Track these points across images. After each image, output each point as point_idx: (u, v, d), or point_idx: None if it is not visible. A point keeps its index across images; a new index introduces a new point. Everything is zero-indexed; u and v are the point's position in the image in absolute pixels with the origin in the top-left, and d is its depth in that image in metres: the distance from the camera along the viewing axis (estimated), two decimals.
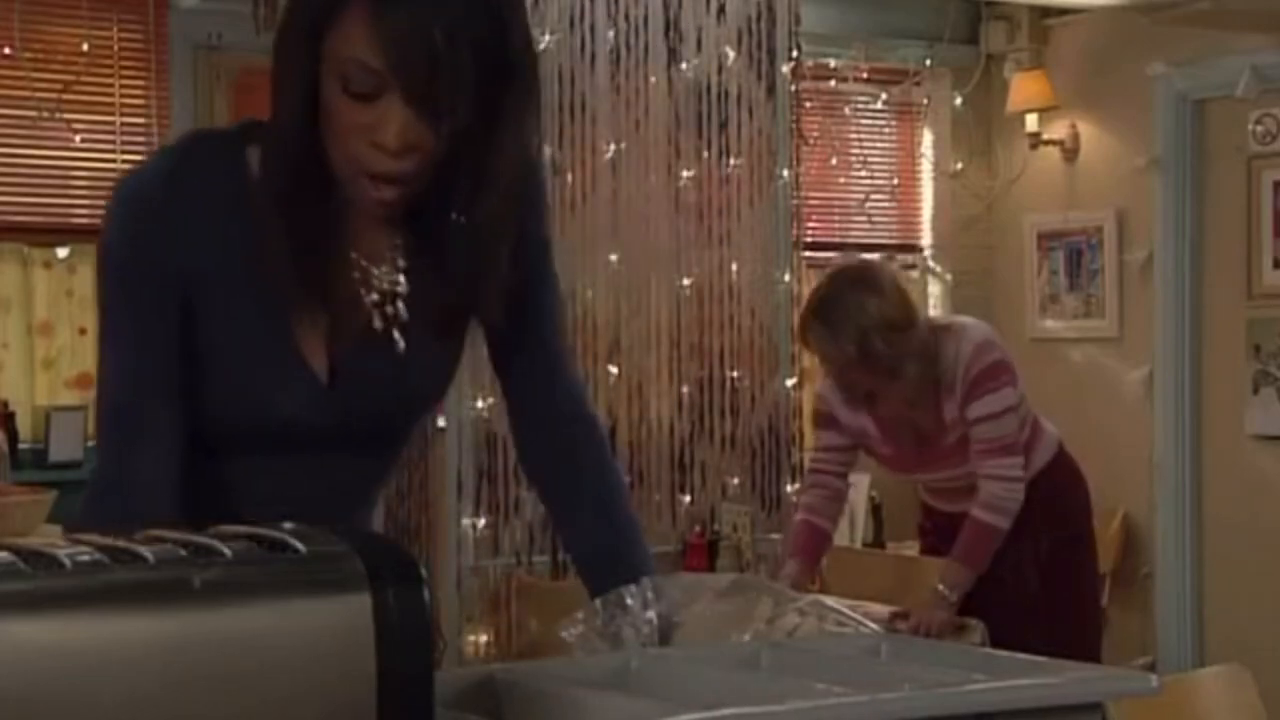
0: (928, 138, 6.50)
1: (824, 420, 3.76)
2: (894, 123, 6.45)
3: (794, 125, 5.10)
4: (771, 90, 5.03)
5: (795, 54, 5.08)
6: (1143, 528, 6.00)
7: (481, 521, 4.55)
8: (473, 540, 4.54)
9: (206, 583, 1.19)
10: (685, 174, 4.86)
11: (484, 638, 4.55)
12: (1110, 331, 6.14)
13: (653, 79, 4.80)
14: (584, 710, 1.51)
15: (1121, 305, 6.11)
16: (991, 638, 3.51)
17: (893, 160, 6.47)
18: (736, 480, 4.95)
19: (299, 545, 1.26)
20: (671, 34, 4.83)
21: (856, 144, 6.32)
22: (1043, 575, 3.64)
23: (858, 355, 3.43)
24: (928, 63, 6.34)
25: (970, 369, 3.49)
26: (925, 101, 6.44)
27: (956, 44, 6.40)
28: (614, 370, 4.76)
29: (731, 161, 4.96)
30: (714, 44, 4.92)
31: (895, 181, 6.45)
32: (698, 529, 4.69)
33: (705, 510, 4.84)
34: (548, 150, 4.64)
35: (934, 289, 6.49)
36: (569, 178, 4.68)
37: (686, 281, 4.87)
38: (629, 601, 1.88)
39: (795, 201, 5.10)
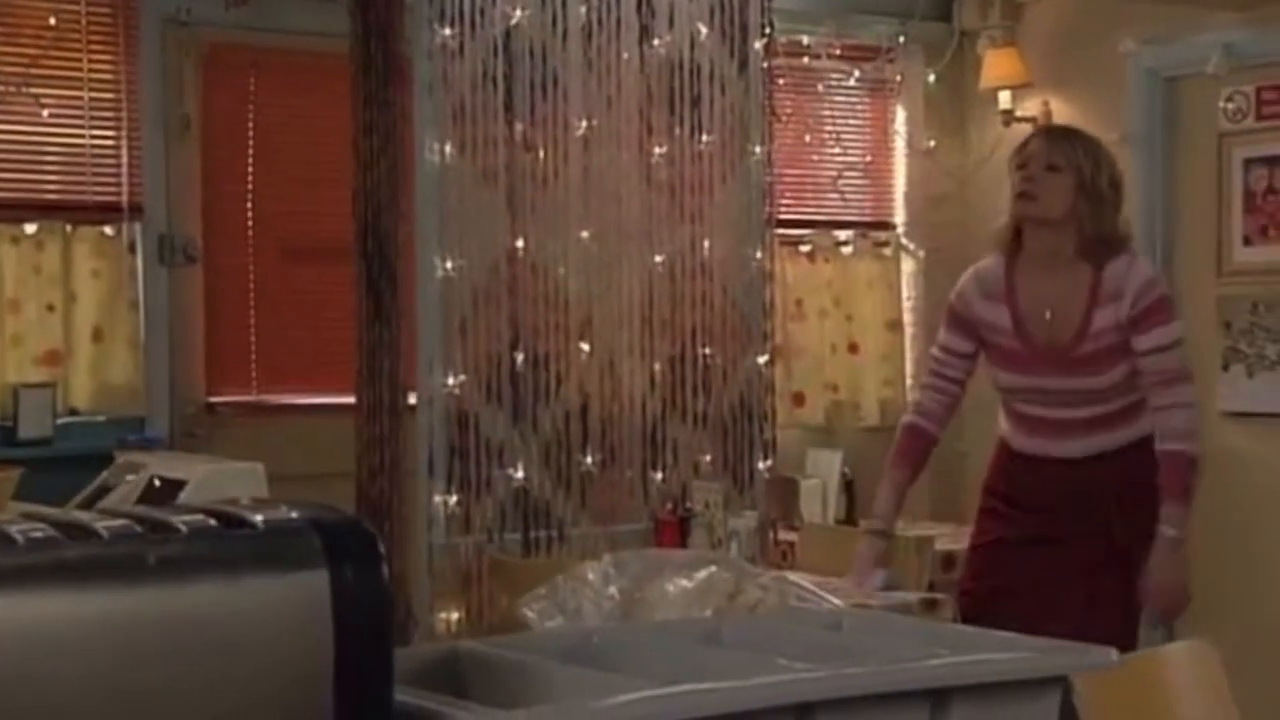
0: (900, 115, 6.49)
1: (954, 320, 3.85)
2: (867, 100, 6.45)
3: (767, 102, 5.09)
4: (744, 67, 5.01)
5: (768, 31, 5.06)
6: None
7: (453, 499, 4.54)
8: (444, 518, 4.53)
9: (161, 559, 1.18)
10: (657, 150, 4.85)
11: (456, 615, 4.54)
12: None
13: (625, 55, 4.78)
14: (546, 683, 1.51)
15: None
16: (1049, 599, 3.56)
17: (865, 137, 6.47)
18: (709, 457, 4.94)
19: (256, 521, 1.26)
20: (644, 9, 4.81)
21: (829, 121, 6.32)
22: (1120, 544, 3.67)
23: (1076, 181, 3.61)
24: (900, 39, 6.34)
25: (1143, 295, 3.60)
26: (898, 79, 6.44)
27: (929, 21, 6.41)
28: (585, 347, 4.75)
29: (704, 138, 4.94)
30: (686, 20, 4.90)
31: (868, 159, 6.44)
32: (669, 506, 4.69)
33: (677, 487, 4.83)
34: (519, 127, 4.63)
35: (907, 266, 6.50)
36: (540, 154, 4.66)
37: (658, 258, 4.86)
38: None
39: (768, 179, 5.09)
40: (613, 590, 1.85)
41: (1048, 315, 3.67)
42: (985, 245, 6.32)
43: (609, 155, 4.76)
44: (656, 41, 4.84)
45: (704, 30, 4.92)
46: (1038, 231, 3.72)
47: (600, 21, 4.74)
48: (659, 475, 4.87)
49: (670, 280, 4.89)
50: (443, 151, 4.51)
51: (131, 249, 5.16)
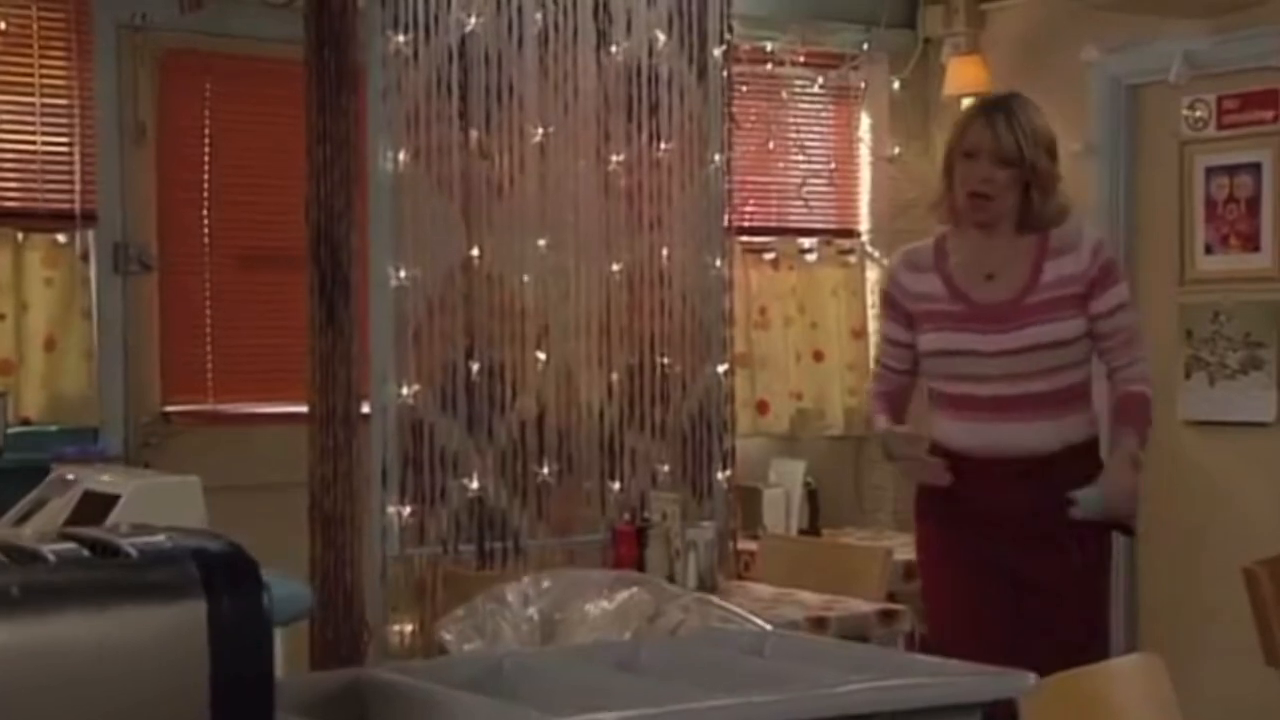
0: (865, 122, 6.47)
1: (888, 306, 3.76)
2: (831, 107, 6.42)
3: (726, 109, 5.06)
4: (703, 74, 4.98)
5: (728, 37, 5.03)
6: None
7: (407, 510, 4.49)
8: (398, 529, 4.49)
9: (26, 589, 1.14)
10: (615, 158, 4.81)
11: (410, 627, 4.50)
12: None
13: (582, 62, 4.75)
14: (448, 714, 1.47)
15: None
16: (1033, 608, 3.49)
17: (830, 144, 6.44)
18: (667, 467, 4.91)
19: (130, 549, 1.21)
20: (601, 16, 4.78)
21: (793, 128, 6.29)
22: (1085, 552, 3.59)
23: (1027, 174, 3.48)
24: (865, 46, 6.32)
25: (1099, 253, 3.54)
26: (862, 85, 6.41)
27: (894, 28, 6.38)
28: (542, 356, 4.71)
29: (662, 146, 4.91)
30: (644, 27, 4.87)
31: (832, 166, 6.42)
32: (627, 516, 4.65)
33: (635, 498, 4.80)
34: (474, 134, 4.59)
35: (871, 274, 6.47)
36: (496, 162, 4.62)
37: (616, 267, 4.82)
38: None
39: (728, 186, 5.06)
40: (532, 612, 1.82)
41: (988, 276, 3.54)
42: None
43: (566, 163, 4.73)
44: (614, 48, 4.81)
45: (662, 37, 4.89)
46: (991, 225, 3.59)
47: (556, 28, 4.71)
48: (617, 485, 4.83)
49: (628, 289, 4.86)
50: (396, 159, 4.47)
51: (85, 257, 5.10)
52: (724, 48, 5.01)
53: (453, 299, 4.57)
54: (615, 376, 4.84)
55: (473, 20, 4.58)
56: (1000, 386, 3.50)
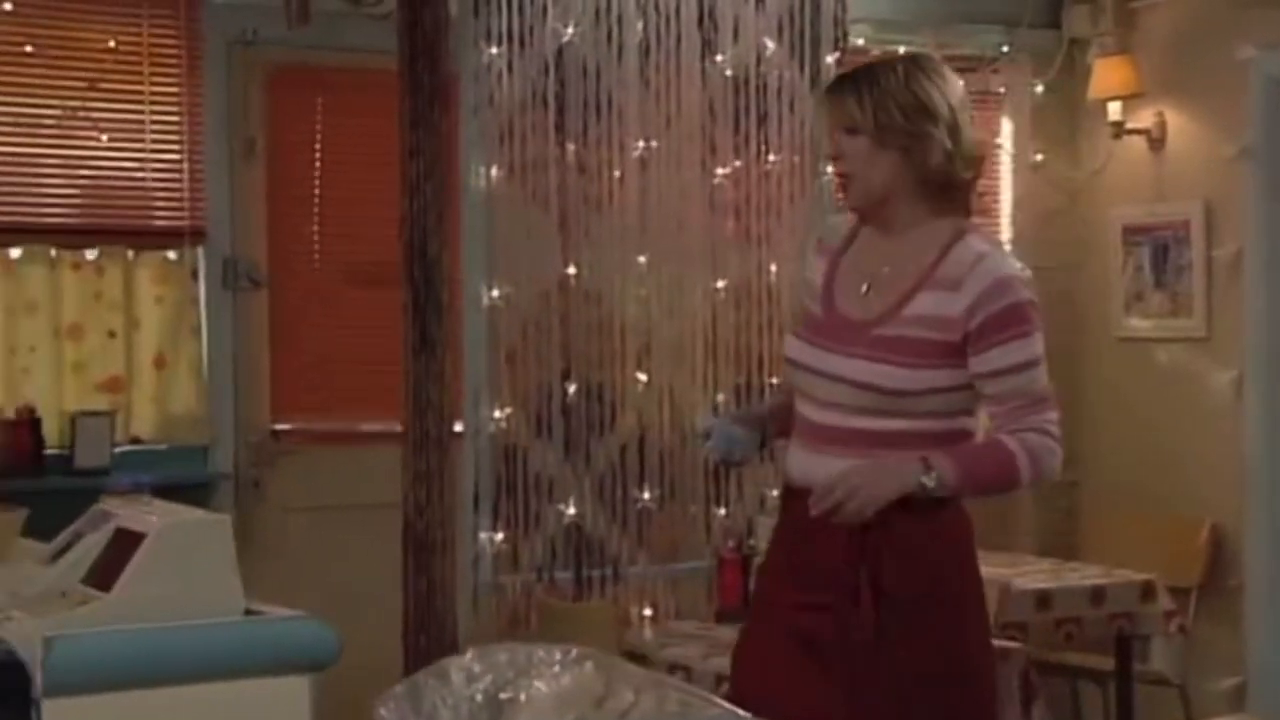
0: (1006, 128, 6.18)
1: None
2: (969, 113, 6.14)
3: None
4: (816, 82, 4.77)
5: (841, 43, 4.82)
6: (1231, 538, 5.66)
7: (500, 536, 4.37)
8: (490, 555, 4.36)
9: None
10: (720, 171, 4.62)
11: None
12: (1199, 331, 5.79)
13: (685, 72, 4.57)
14: None
15: (1210, 303, 5.75)
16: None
17: None
18: (776, 492, 4.70)
19: None
20: (706, 24, 4.60)
21: None
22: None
23: (861, 115, 2.78)
24: (1005, 49, 6.04)
25: (990, 298, 2.74)
26: (1003, 90, 6.13)
27: (1037, 29, 6.09)
28: (643, 377, 4.55)
29: (771, 157, 4.71)
30: (753, 34, 4.67)
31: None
32: (732, 544, 4.47)
33: (741, 524, 4.61)
34: (571, 148, 4.45)
35: None
36: (594, 176, 4.47)
37: (721, 283, 4.64)
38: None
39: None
40: (475, 690, 1.65)
41: (864, 289, 2.85)
42: (1095, 262, 6.09)
43: (668, 176, 4.57)
44: (720, 57, 4.62)
45: (771, 44, 4.70)
46: (877, 211, 2.88)
47: (659, 37, 4.54)
48: (722, 511, 4.65)
49: (734, 306, 4.67)
50: (489, 175, 4.35)
51: (194, 274, 5.08)
52: (838, 54, 4.78)
53: (548, 319, 4.44)
54: (721, 397, 4.66)
55: (570, 30, 4.44)
56: (831, 415, 2.82)
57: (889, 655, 2.73)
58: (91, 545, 2.80)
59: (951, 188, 2.82)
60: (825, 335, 2.85)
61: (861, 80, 2.83)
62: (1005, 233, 6.22)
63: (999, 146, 6.19)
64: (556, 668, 1.67)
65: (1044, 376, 2.80)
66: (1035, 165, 6.14)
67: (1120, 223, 6.04)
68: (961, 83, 2.89)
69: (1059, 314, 6.17)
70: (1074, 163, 6.21)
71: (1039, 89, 6.10)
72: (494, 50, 4.37)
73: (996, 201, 6.23)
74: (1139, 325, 5.99)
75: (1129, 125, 5.91)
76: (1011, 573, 5.11)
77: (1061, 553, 5.74)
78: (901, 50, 5.78)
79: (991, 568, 5.28)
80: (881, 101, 2.78)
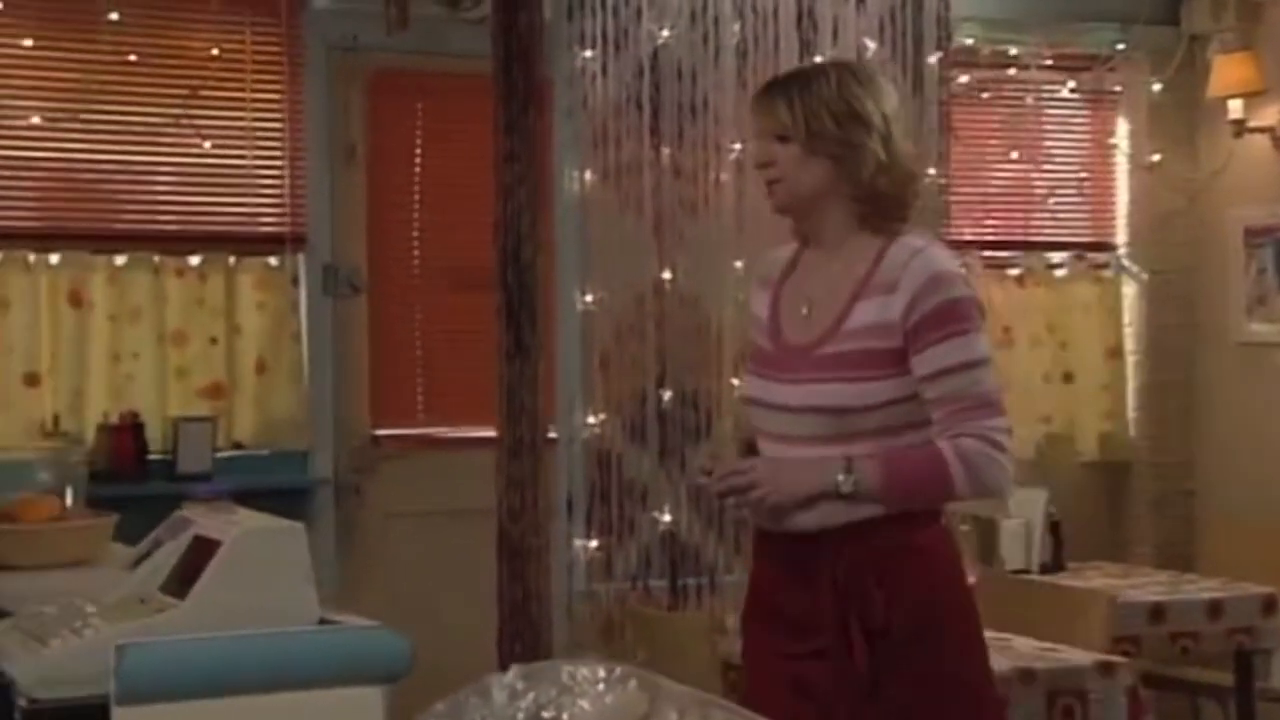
0: (1122, 127, 6.03)
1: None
2: (1084, 112, 6.02)
3: (944, 119, 4.73)
4: (919, 83, 4.67)
5: (945, 43, 4.71)
6: None
7: (594, 543, 4.32)
8: (584, 562, 4.32)
9: None
10: None
11: None
12: None
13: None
14: None
15: None
16: None
17: (1081, 152, 6.04)
18: None
19: None
20: (805, 24, 4.51)
21: (1040, 136, 5.90)
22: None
23: (791, 121, 2.67)
24: (1121, 46, 5.88)
25: (925, 295, 2.61)
26: (1119, 88, 5.98)
27: (1154, 25, 5.92)
28: (738, 383, 4.47)
29: None
30: (853, 34, 4.58)
31: (1084, 175, 6.00)
32: None
33: None
34: (666, 151, 4.39)
35: (1129, 289, 6.03)
36: (690, 180, 4.41)
37: None
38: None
39: (946, 200, 4.73)
40: (517, 709, 1.60)
41: (805, 310, 2.74)
42: (1215, 264, 5.90)
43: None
44: (819, 58, 4.53)
45: (872, 45, 4.60)
46: (804, 216, 2.80)
47: (756, 39, 4.46)
48: None
49: None
50: (583, 179, 4.30)
51: (295, 280, 5.09)
52: (940, 54, 4.67)
53: (643, 324, 4.38)
54: None
55: (665, 33, 4.38)
56: (781, 448, 2.71)
57: (890, 694, 2.62)
58: (170, 552, 2.79)
59: (886, 202, 2.71)
60: (773, 366, 2.76)
61: (793, 86, 2.73)
62: (1121, 235, 6.07)
63: (1114, 147, 6.03)
64: (600, 686, 1.60)
65: (989, 378, 2.65)
66: (1152, 166, 5.98)
67: (1242, 224, 5.86)
68: (896, 94, 2.79)
69: (1176, 318, 6.01)
70: (1193, 163, 6.03)
71: (1156, 87, 5.94)
72: (588, 53, 4.32)
73: (1110, 204, 6.08)
74: (1261, 330, 5.81)
75: (1251, 124, 5.73)
76: (1124, 584, 4.97)
77: (1178, 565, 5.57)
78: (1012, 50, 5.70)
79: (1104, 578, 5.18)
80: (813, 108, 2.67)
